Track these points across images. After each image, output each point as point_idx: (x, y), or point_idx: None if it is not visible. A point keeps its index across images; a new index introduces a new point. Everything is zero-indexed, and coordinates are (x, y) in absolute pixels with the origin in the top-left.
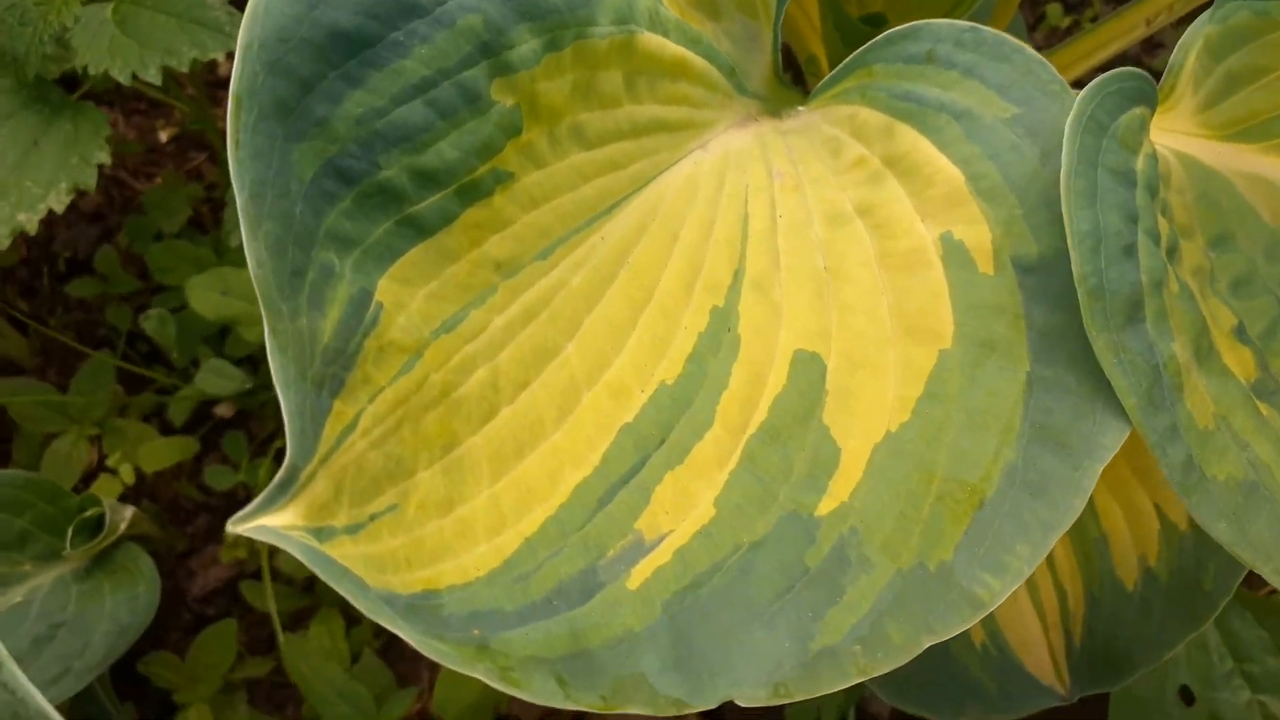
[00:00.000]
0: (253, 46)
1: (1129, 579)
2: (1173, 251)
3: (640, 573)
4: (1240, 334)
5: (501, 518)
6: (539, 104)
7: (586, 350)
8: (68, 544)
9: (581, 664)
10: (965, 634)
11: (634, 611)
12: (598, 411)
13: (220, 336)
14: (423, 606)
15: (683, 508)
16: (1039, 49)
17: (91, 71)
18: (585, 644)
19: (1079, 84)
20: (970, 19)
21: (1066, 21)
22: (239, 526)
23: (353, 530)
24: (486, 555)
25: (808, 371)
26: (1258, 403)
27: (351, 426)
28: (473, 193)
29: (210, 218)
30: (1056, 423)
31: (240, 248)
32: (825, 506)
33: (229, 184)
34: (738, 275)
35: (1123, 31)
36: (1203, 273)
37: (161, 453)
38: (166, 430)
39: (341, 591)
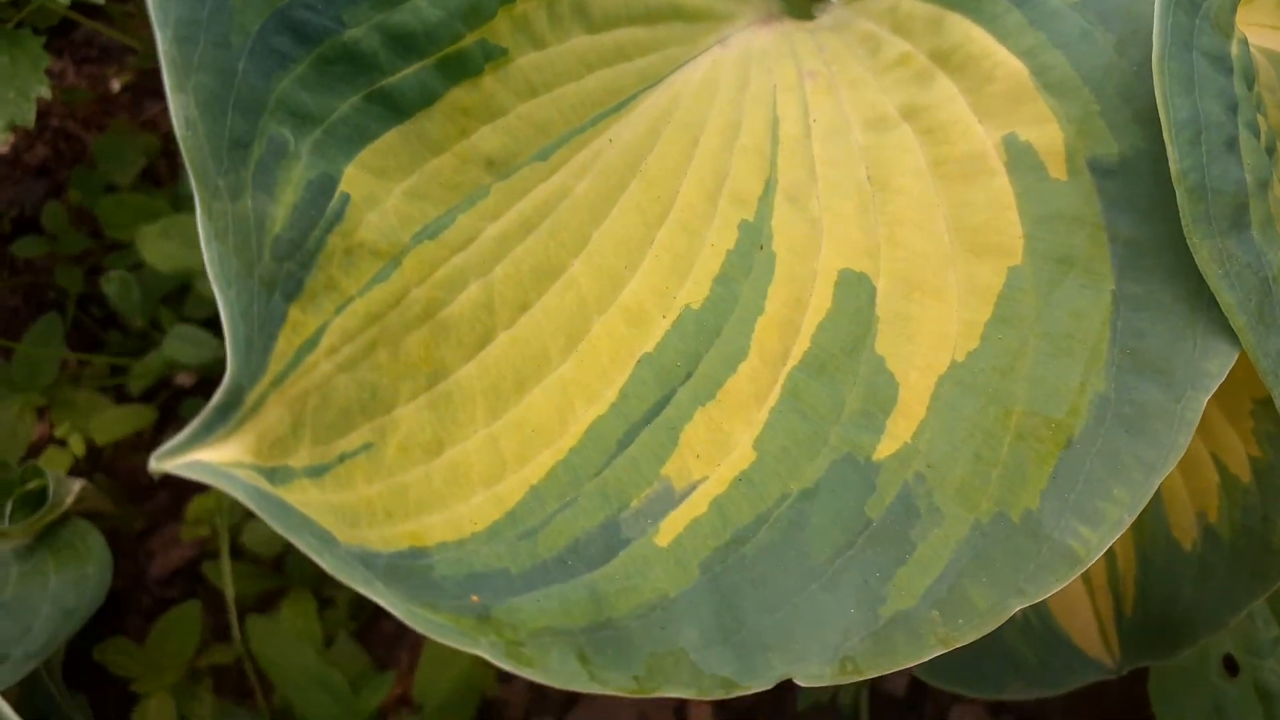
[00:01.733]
0: None
1: (1186, 538)
2: (1272, 152)
3: (671, 527)
4: None
5: (502, 462)
6: None
7: (596, 269)
8: (5, 518)
9: (608, 636)
10: None
11: (667, 573)
12: (612, 339)
13: (179, 295)
14: (408, 567)
15: (717, 451)
16: None
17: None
18: (610, 612)
19: None
20: None
21: None
22: (166, 463)
23: (316, 473)
24: (484, 506)
25: (855, 294)
26: None
27: (313, 342)
28: (458, 67)
29: (167, 172)
30: (1151, 347)
31: None
32: (885, 449)
33: None
34: (769, 186)
35: None
36: None
37: (116, 423)
38: (122, 400)
39: (302, 546)
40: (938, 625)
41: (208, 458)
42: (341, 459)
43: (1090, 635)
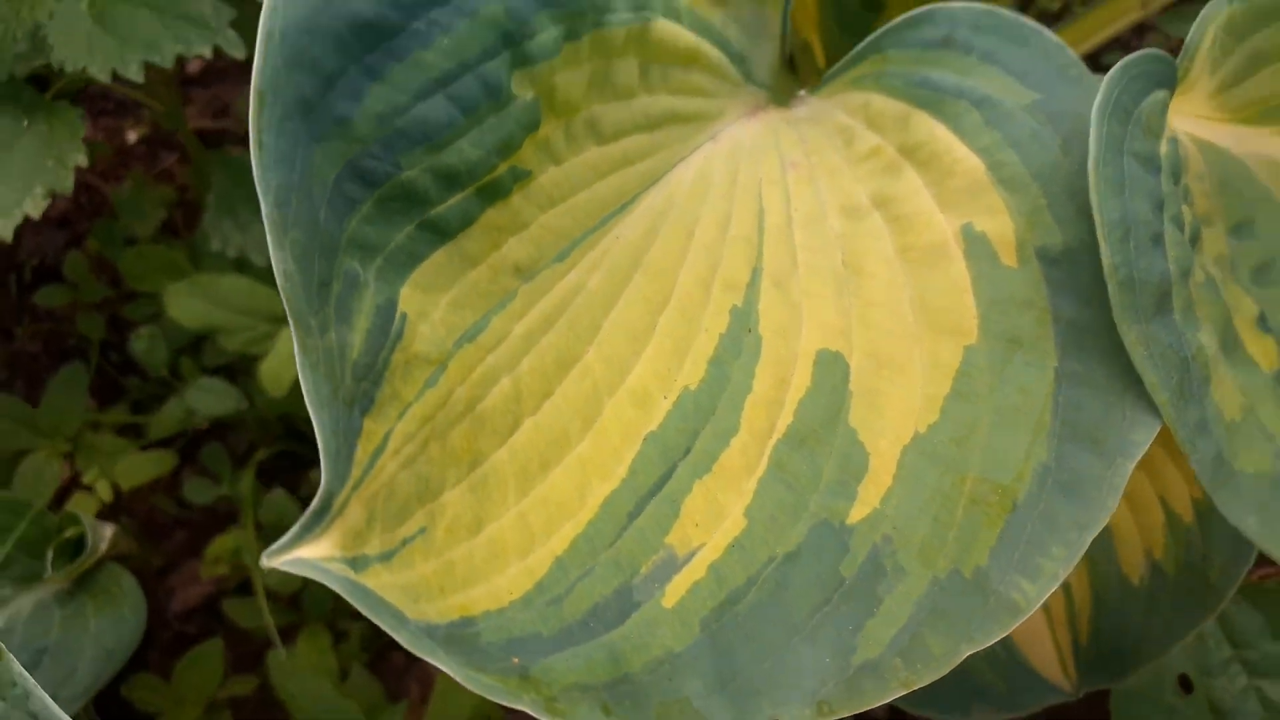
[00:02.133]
0: (274, 37)
1: (1135, 574)
2: (1195, 240)
3: (675, 590)
4: (1262, 323)
5: (531, 536)
6: (556, 97)
7: (607, 356)
8: (49, 566)
9: (625, 690)
10: None
11: (672, 631)
12: (621, 420)
13: (197, 343)
14: (460, 635)
15: (713, 519)
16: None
17: (68, 69)
18: (626, 668)
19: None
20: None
21: (1057, 4)
22: (275, 560)
23: (386, 557)
24: (518, 577)
25: (831, 372)
26: None
27: (381, 448)
28: (492, 192)
29: (183, 221)
30: (1087, 419)
31: (219, 253)
32: (857, 513)
33: (203, 186)
34: (756, 273)
35: (1117, 15)
36: (1224, 261)
37: (139, 468)
38: (139, 437)
39: (382, 625)
40: (900, 670)
41: (307, 554)
42: (404, 544)
43: (1050, 663)
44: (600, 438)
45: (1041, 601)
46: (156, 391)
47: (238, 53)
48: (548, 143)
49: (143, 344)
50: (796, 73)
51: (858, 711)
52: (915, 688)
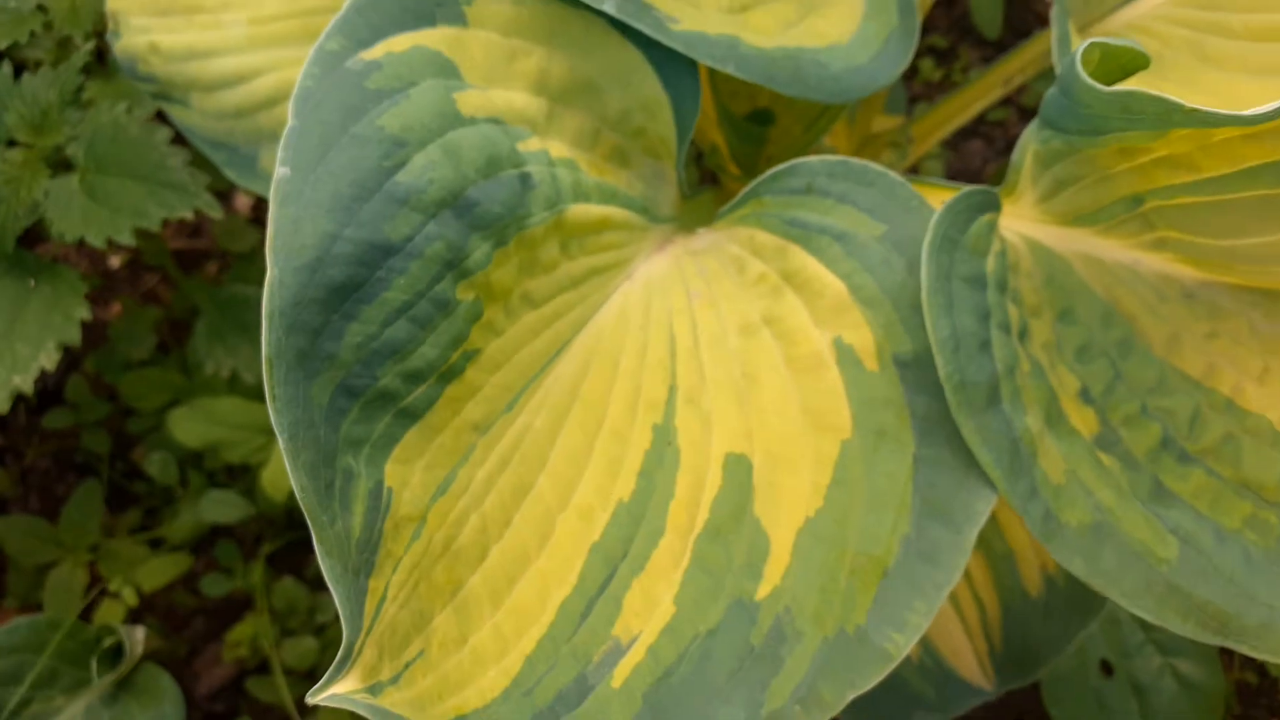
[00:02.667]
0: (274, 316)
1: (1033, 588)
2: (1024, 333)
3: (621, 672)
4: (1084, 395)
5: (505, 642)
6: (494, 289)
7: (555, 480)
8: (94, 675)
9: None
10: None
11: (620, 706)
12: (571, 534)
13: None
14: None
15: (649, 609)
16: (914, 99)
17: (68, 239)
18: None
19: (961, 133)
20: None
21: (938, 75)
22: (318, 697)
23: (395, 680)
24: (497, 678)
25: (738, 471)
26: (1100, 454)
27: (383, 598)
28: (449, 375)
29: (171, 337)
30: (940, 495)
31: (214, 375)
32: (763, 591)
33: (187, 307)
34: (672, 390)
35: (984, 92)
36: (1051, 345)
37: (160, 571)
38: (154, 542)
39: None
40: (800, 716)
41: (338, 690)
42: (407, 666)
43: (972, 668)
44: (554, 551)
45: (909, 649)
46: (164, 496)
47: (215, 214)
48: (491, 323)
49: (155, 466)
50: (707, 163)
51: None
52: None
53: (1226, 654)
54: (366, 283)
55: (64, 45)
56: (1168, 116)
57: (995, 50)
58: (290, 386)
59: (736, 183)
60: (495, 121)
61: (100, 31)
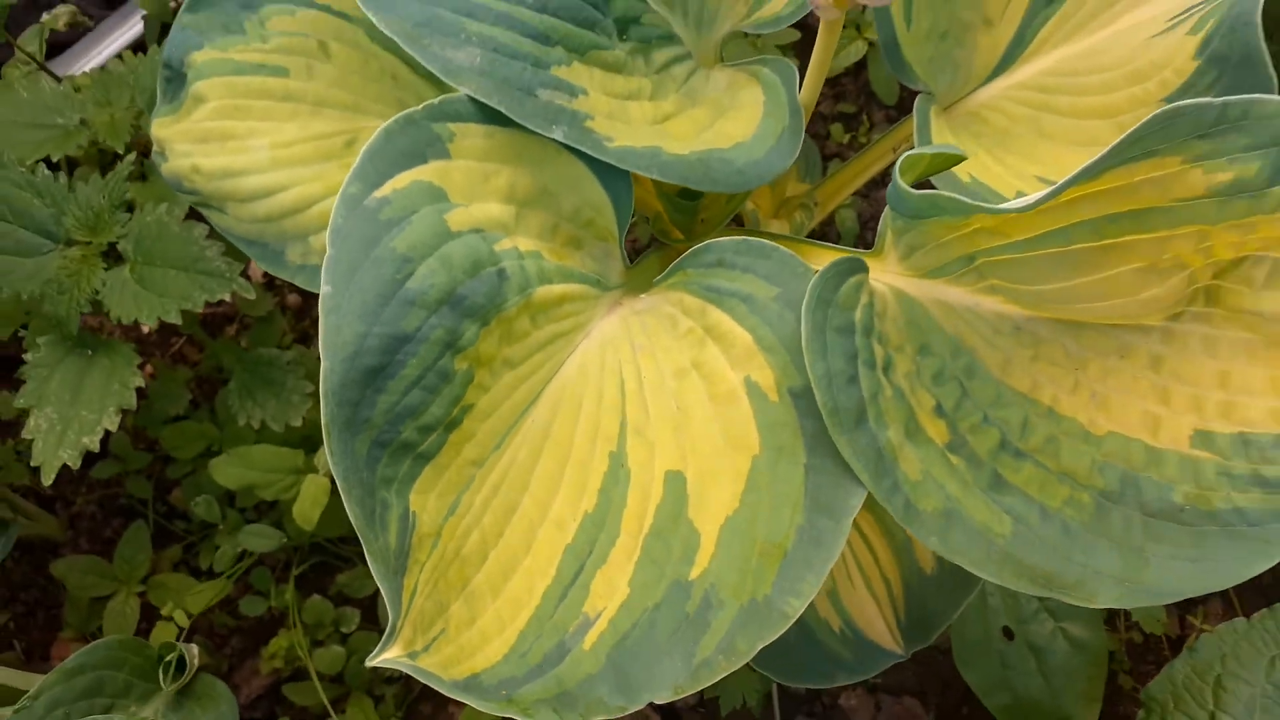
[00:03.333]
0: (328, 395)
1: (928, 566)
2: (889, 365)
3: (590, 639)
4: (938, 411)
5: (503, 622)
6: (481, 357)
7: (535, 500)
8: (163, 684)
9: (565, 699)
10: (827, 622)
11: (591, 663)
12: (549, 540)
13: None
14: (473, 684)
15: (610, 592)
16: (830, 157)
17: (124, 321)
18: (565, 687)
19: (871, 182)
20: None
21: (846, 137)
22: (375, 660)
23: (426, 649)
24: (499, 647)
25: (675, 485)
26: (950, 456)
27: (414, 592)
28: (452, 426)
29: (199, 392)
30: (825, 495)
31: (246, 425)
32: (695, 573)
33: (213, 365)
34: (623, 425)
35: (877, 158)
36: (912, 373)
37: (205, 596)
38: (195, 571)
39: (432, 685)
40: (722, 663)
41: (388, 656)
42: (433, 640)
43: (884, 635)
44: (537, 553)
45: (803, 609)
46: (202, 531)
47: (248, 295)
48: (481, 384)
49: (201, 507)
50: (652, 228)
51: (698, 689)
52: (731, 670)
53: (1113, 619)
54: (389, 365)
55: (99, 148)
56: (964, 208)
57: (898, 112)
58: (341, 444)
59: (677, 242)
60: (477, 231)
61: (142, 150)
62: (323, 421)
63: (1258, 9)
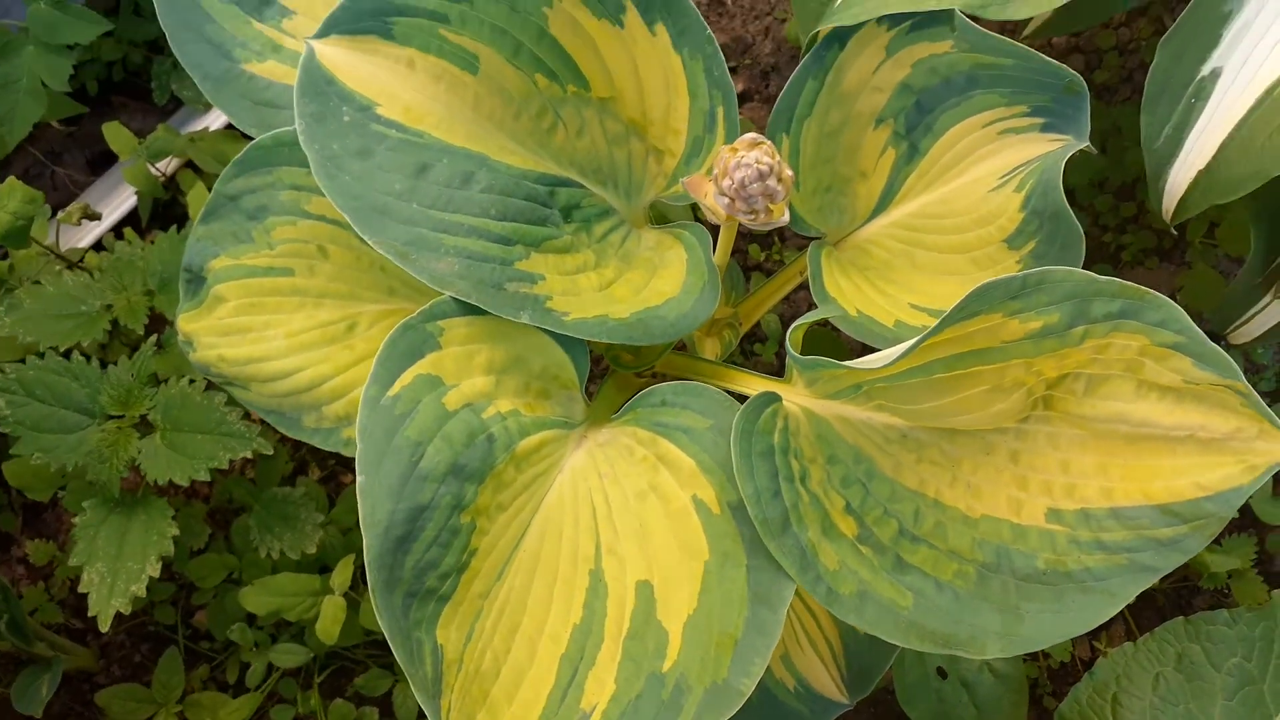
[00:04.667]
0: (371, 563)
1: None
2: (805, 476)
3: None
4: (848, 509)
5: None
6: (480, 509)
7: (532, 618)
8: None
9: None
10: (783, 683)
11: None
12: (547, 652)
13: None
14: None
15: (600, 689)
16: (749, 270)
17: (160, 482)
18: None
19: (786, 307)
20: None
21: (762, 255)
22: None
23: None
24: None
25: (645, 592)
26: (860, 547)
27: (449, 709)
28: (462, 569)
29: (212, 522)
30: (764, 589)
31: (266, 556)
32: (666, 665)
33: (225, 499)
34: (598, 546)
35: (789, 279)
36: (824, 480)
37: (239, 710)
38: (222, 686)
39: None
40: None
41: None
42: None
43: (831, 689)
44: (539, 663)
45: (754, 687)
46: (226, 650)
47: (267, 451)
48: (482, 529)
49: (235, 633)
50: (605, 357)
51: None
52: None
53: (1032, 653)
54: (412, 531)
55: (120, 330)
56: (841, 368)
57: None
58: (384, 600)
59: (627, 367)
60: (468, 405)
61: (157, 325)
62: (369, 583)
63: (1059, 176)
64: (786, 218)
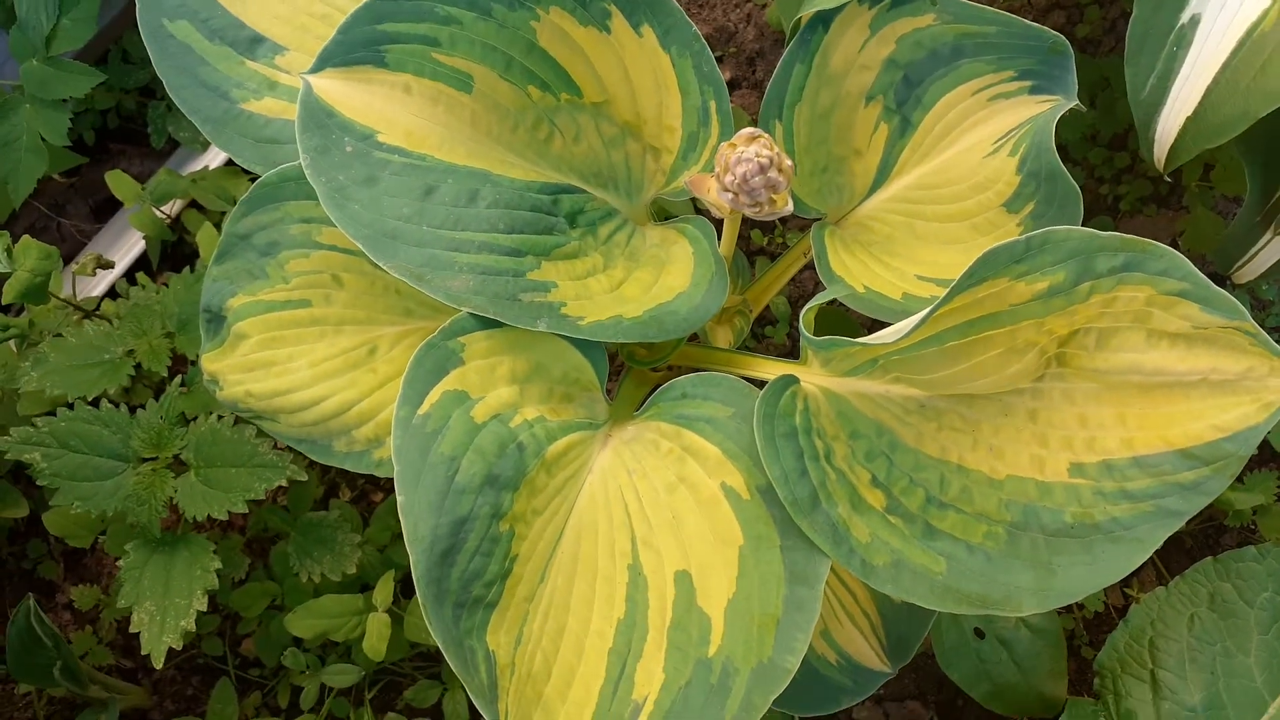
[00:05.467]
0: (419, 580)
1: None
2: (829, 454)
3: (645, 716)
4: (874, 482)
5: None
6: (517, 515)
7: (577, 617)
8: None
9: None
10: (825, 657)
11: None
12: (594, 649)
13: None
14: None
15: (649, 680)
16: (752, 255)
17: (198, 519)
18: None
19: (794, 288)
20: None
21: (765, 240)
22: None
23: None
24: None
25: (684, 581)
26: (889, 518)
27: (507, 713)
28: (505, 575)
29: (249, 550)
30: (799, 568)
31: (307, 580)
32: (712, 651)
33: (260, 527)
34: (633, 540)
35: (792, 263)
36: (848, 456)
37: None
38: (274, 710)
39: None
40: (743, 716)
41: None
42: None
43: (872, 659)
44: (588, 660)
45: (799, 662)
46: (274, 675)
47: (301, 478)
48: (520, 535)
49: (288, 659)
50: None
51: None
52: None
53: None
54: (455, 544)
55: (143, 372)
56: (854, 345)
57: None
58: (435, 613)
59: (644, 363)
60: (496, 416)
61: (179, 369)
62: (419, 598)
63: (1051, 137)
64: (790, 206)
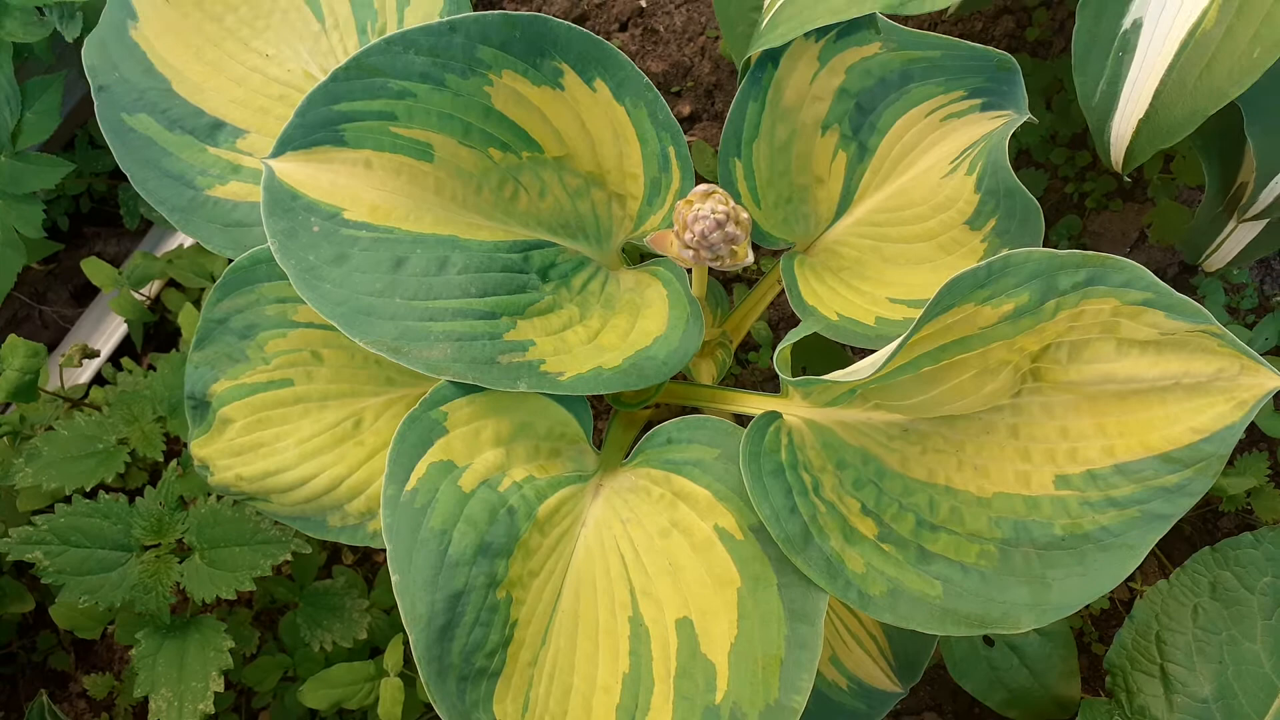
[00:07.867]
0: (421, 658)
1: None
2: (817, 486)
3: None
4: (864, 510)
5: None
6: (514, 581)
7: (582, 676)
8: None
9: None
10: (836, 684)
11: None
12: (602, 705)
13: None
14: None
15: None
16: (728, 283)
17: (206, 601)
18: None
19: (774, 311)
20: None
21: (743, 266)
22: None
23: None
24: None
25: (686, 629)
26: (882, 545)
27: None
28: (506, 643)
29: (258, 623)
30: (798, 605)
31: (319, 650)
32: (719, 697)
33: (267, 597)
34: (631, 592)
35: (767, 290)
36: (836, 486)
37: None
38: None
39: None
40: None
41: None
42: None
43: (884, 681)
44: (595, 714)
45: (805, 701)
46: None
47: (305, 550)
48: (518, 600)
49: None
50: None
51: None
52: None
53: None
54: (453, 618)
55: (137, 457)
56: (829, 383)
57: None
58: (438, 689)
59: (629, 406)
60: (484, 483)
61: (174, 451)
62: (421, 676)
63: (1005, 154)
64: (751, 258)
